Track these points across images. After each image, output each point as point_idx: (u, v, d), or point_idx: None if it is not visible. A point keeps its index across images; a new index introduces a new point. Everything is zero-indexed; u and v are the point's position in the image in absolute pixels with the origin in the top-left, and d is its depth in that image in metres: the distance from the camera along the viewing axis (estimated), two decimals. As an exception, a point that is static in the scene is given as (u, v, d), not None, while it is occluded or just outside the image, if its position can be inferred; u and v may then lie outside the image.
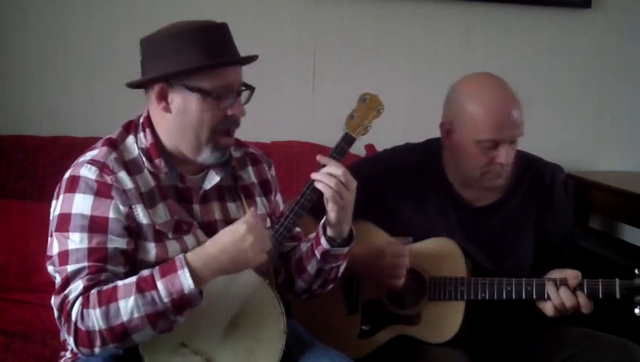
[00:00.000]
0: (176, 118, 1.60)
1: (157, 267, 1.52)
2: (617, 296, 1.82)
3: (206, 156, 1.64)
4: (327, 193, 1.63)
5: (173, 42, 1.57)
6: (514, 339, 2.01)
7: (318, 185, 1.64)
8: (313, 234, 1.76)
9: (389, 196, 2.02)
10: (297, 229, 1.78)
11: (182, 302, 1.49)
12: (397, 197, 2.02)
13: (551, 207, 2.03)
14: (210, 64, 1.57)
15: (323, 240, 1.70)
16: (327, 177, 1.63)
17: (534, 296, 1.87)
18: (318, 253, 1.72)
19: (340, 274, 1.81)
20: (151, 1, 2.59)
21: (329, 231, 1.70)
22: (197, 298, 1.50)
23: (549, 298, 1.85)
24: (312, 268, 1.75)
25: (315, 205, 1.68)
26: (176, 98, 1.59)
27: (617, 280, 1.82)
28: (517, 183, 2.02)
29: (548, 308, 1.87)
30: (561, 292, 1.84)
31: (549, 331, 1.98)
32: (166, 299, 1.48)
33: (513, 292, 1.87)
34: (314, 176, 1.65)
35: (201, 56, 1.56)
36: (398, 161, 2.07)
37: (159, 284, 1.49)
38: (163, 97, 1.59)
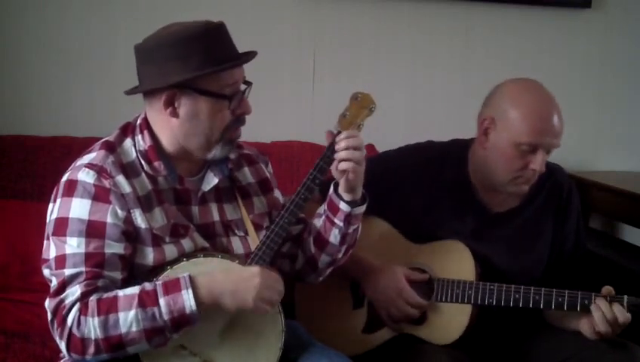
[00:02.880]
0: (185, 123, 1.60)
1: (160, 282, 1.53)
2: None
3: (216, 152, 1.65)
4: (351, 168, 1.64)
5: (178, 47, 1.55)
6: (514, 339, 2.01)
7: (343, 165, 1.64)
8: (321, 208, 1.78)
9: (404, 193, 2.01)
10: (301, 215, 1.79)
11: (181, 321, 1.50)
12: (412, 196, 2.01)
13: (568, 216, 2.04)
14: (223, 67, 1.57)
15: (343, 205, 1.72)
16: (352, 153, 1.64)
17: (542, 306, 1.86)
18: (339, 220, 1.73)
19: (357, 237, 1.82)
20: (151, 1, 2.59)
21: (346, 197, 1.71)
22: (196, 318, 1.51)
23: (559, 308, 1.84)
24: (334, 237, 1.76)
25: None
26: (185, 103, 1.58)
27: (625, 296, 1.81)
28: (536, 191, 2.03)
29: (587, 329, 1.84)
30: (601, 305, 1.80)
31: (549, 331, 1.97)
32: (166, 317, 1.49)
33: (521, 300, 1.87)
34: (340, 156, 1.64)
35: (208, 59, 1.55)
36: (418, 158, 2.06)
37: (161, 301, 1.49)
38: (171, 103, 1.59)
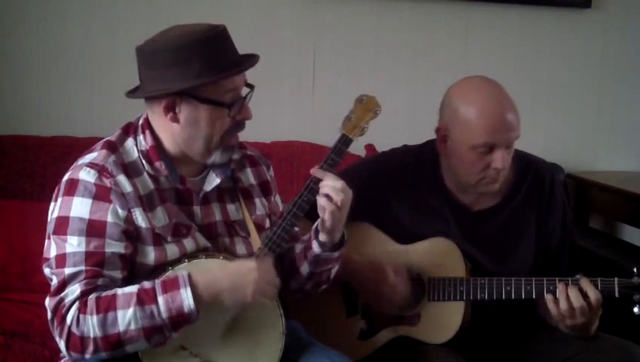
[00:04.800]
0: (185, 129, 1.60)
1: (159, 280, 1.53)
2: (616, 295, 1.81)
3: (215, 158, 1.65)
4: (328, 208, 1.63)
5: (179, 53, 1.54)
6: (514, 340, 2.01)
7: (321, 201, 1.63)
8: (307, 236, 1.77)
9: (385, 198, 2.01)
10: (296, 229, 1.78)
11: (180, 319, 1.50)
12: (394, 199, 2.01)
13: (551, 209, 2.02)
14: (223, 76, 1.56)
15: (315, 245, 1.71)
16: (331, 191, 1.62)
17: (534, 296, 1.86)
18: (310, 257, 1.73)
19: (332, 277, 1.81)
20: (151, 2, 2.59)
21: (321, 237, 1.70)
22: (195, 317, 1.51)
23: (553, 295, 1.83)
24: (304, 269, 1.76)
25: (310, 209, 1.68)
26: (186, 109, 1.58)
27: (616, 279, 1.81)
28: (516, 186, 2.01)
29: (552, 309, 1.83)
30: (570, 291, 1.80)
31: (549, 331, 1.97)
32: (165, 315, 1.49)
33: (513, 292, 1.86)
34: (323, 191, 1.63)
35: (209, 66, 1.55)
36: (395, 163, 2.06)
37: (160, 299, 1.49)
38: (171, 109, 1.58)
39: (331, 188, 1.63)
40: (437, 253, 1.96)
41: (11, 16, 2.52)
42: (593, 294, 1.79)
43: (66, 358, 1.65)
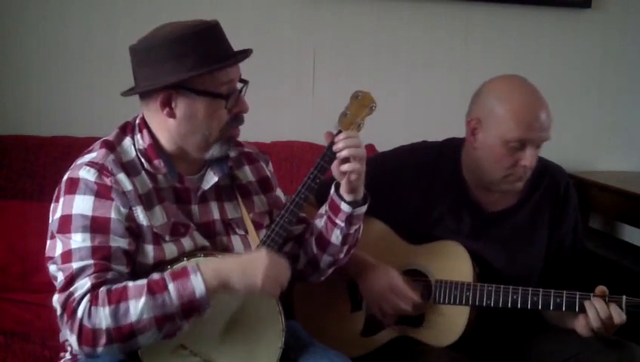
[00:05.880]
0: (183, 123, 1.60)
1: (167, 272, 1.53)
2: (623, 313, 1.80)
3: (214, 152, 1.65)
4: (353, 169, 1.65)
5: (172, 49, 1.55)
6: (514, 340, 2.01)
7: (345, 167, 1.65)
8: (323, 208, 1.78)
9: (400, 194, 2.02)
10: (301, 214, 1.80)
11: (191, 306, 1.50)
12: (409, 196, 2.01)
13: (565, 212, 2.04)
14: (218, 66, 1.57)
15: (344, 206, 1.72)
16: (354, 151, 1.64)
17: (540, 307, 1.85)
18: (340, 221, 1.73)
19: (359, 237, 1.83)
20: (151, 1, 2.59)
21: (347, 197, 1.72)
22: (206, 303, 1.51)
23: (558, 309, 1.83)
24: (336, 238, 1.76)
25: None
26: (182, 103, 1.58)
27: (624, 297, 1.81)
28: (532, 190, 2.02)
29: (581, 326, 1.83)
30: (596, 303, 1.80)
31: (549, 332, 1.97)
32: (176, 302, 1.49)
33: (519, 301, 1.86)
34: (342, 155, 1.64)
35: (203, 59, 1.55)
36: (414, 159, 2.06)
37: (170, 287, 1.49)
38: (167, 103, 1.59)
39: (350, 148, 1.64)
40: (446, 256, 1.96)
41: (11, 16, 2.52)
42: (618, 317, 1.78)
43: (66, 358, 1.66)
